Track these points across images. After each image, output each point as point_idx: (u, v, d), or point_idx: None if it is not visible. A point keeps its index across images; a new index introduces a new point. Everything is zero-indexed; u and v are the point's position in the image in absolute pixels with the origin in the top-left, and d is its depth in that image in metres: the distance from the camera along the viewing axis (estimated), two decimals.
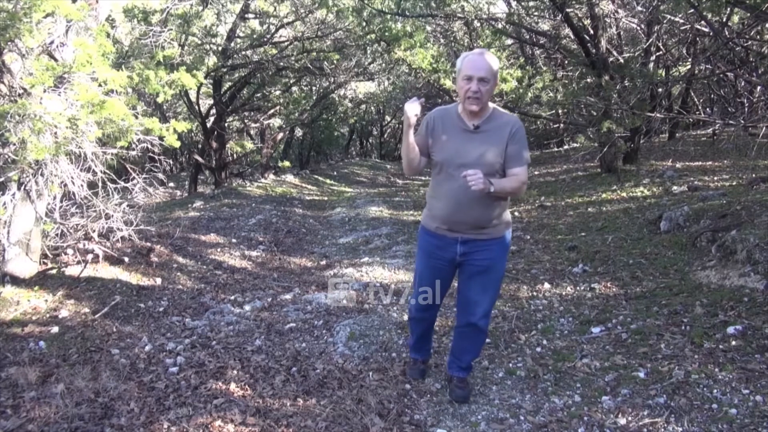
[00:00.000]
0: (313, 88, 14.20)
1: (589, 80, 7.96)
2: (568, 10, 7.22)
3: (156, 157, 5.50)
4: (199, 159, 11.53)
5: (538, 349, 3.29)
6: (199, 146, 12.52)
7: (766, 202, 4.75)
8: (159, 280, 4.58)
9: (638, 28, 8.85)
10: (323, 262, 5.59)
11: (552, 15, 9.28)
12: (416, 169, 2.57)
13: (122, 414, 2.60)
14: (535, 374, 3.00)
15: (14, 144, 3.60)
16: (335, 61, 11.02)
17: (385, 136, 24.27)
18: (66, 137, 3.71)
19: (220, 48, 9.58)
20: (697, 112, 10.12)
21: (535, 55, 12.12)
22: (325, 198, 10.78)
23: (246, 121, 13.72)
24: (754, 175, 6.32)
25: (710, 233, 4.40)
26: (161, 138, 4.14)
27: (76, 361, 3.10)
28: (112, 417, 2.57)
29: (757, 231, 3.96)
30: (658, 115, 6.96)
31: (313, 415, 2.62)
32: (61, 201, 4.37)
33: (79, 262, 4.43)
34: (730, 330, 3.06)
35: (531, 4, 9.17)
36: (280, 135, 14.67)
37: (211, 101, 11.73)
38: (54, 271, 4.30)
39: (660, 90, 8.30)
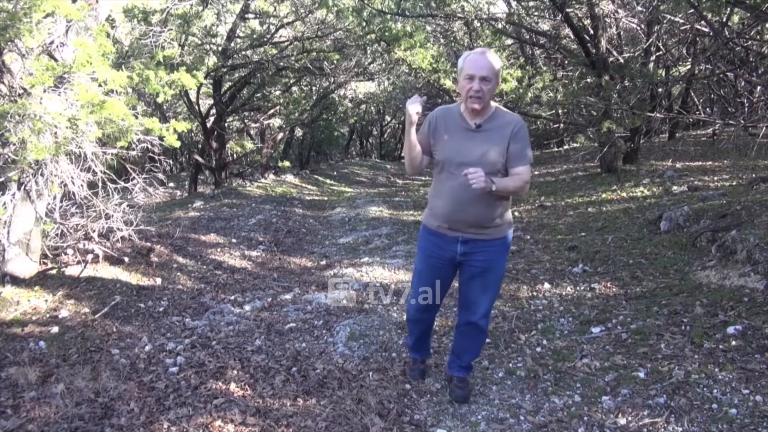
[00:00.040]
0: (313, 88, 14.20)
1: (589, 80, 7.96)
2: (568, 10, 7.22)
3: (156, 157, 5.50)
4: (199, 159, 11.53)
5: (538, 349, 3.29)
6: (199, 146, 12.52)
7: (766, 202, 4.75)
8: (159, 280, 4.58)
9: (638, 28, 8.85)
10: (323, 262, 5.59)
11: (552, 15, 9.28)
12: (418, 168, 2.57)
13: (122, 414, 2.60)
14: (535, 374, 3.00)
15: (14, 144, 3.60)
16: (335, 61, 11.02)
17: (385, 136, 24.26)
18: (66, 137, 3.71)
19: (220, 48, 9.58)
20: (697, 112, 10.12)
21: (535, 55, 12.12)
22: (325, 198, 10.78)
23: (246, 121, 13.72)
24: (754, 175, 6.32)
25: (710, 233, 4.40)
26: (161, 138, 4.14)
27: (76, 361, 3.10)
28: (112, 417, 2.57)
29: (757, 231, 3.96)
30: (658, 115, 6.96)
31: (313, 415, 2.62)
32: (61, 201, 4.37)
33: (79, 262, 4.43)
34: (730, 330, 3.06)
35: (531, 4, 9.17)
36: (280, 135, 14.67)
37: (211, 101, 11.73)
38: (54, 271, 4.30)
39: (660, 90, 8.30)
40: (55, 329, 3.47)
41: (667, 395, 2.62)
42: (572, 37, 8.21)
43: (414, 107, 2.40)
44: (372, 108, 19.75)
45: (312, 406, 2.71)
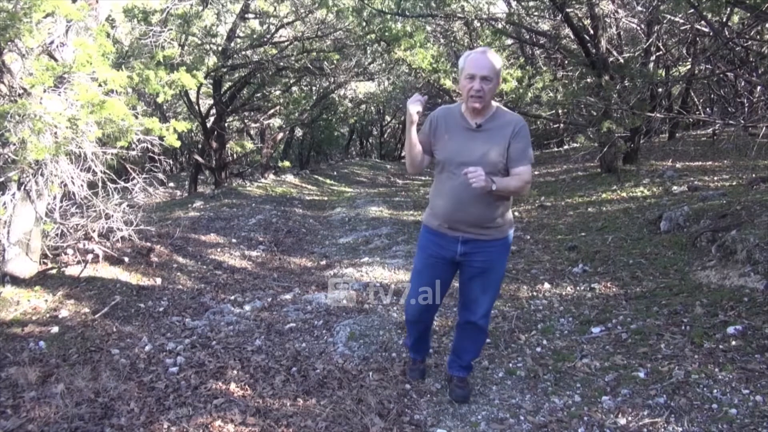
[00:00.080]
0: (313, 88, 14.20)
1: (589, 80, 7.96)
2: (568, 10, 7.23)
3: (156, 157, 5.50)
4: (199, 159, 11.53)
5: (538, 349, 3.29)
6: (199, 146, 12.52)
7: (766, 202, 4.75)
8: (159, 280, 4.58)
9: (638, 28, 8.85)
10: (323, 262, 5.59)
11: (552, 15, 9.28)
12: (419, 167, 2.58)
13: (122, 414, 2.60)
14: (535, 374, 3.00)
15: (14, 144, 3.60)
16: (335, 61, 11.02)
17: (385, 136, 24.26)
18: (66, 137, 3.71)
19: (220, 48, 9.58)
20: (697, 112, 10.12)
21: (535, 55, 12.12)
22: (325, 198, 10.78)
23: (246, 121, 13.72)
24: (754, 175, 6.32)
25: (710, 233, 4.40)
26: (161, 138, 4.14)
27: (76, 361, 3.10)
28: (112, 417, 2.57)
29: (757, 231, 3.96)
30: (658, 115, 6.96)
31: (313, 415, 2.62)
32: (61, 201, 4.37)
33: (79, 262, 4.43)
34: (730, 330, 3.06)
35: (531, 4, 9.17)
36: (280, 135, 14.66)
37: (211, 101, 11.73)
38: (54, 271, 4.30)
39: (660, 90, 8.30)
40: (55, 329, 3.47)
41: (667, 395, 2.62)
42: (572, 37, 8.21)
43: (414, 107, 2.40)
44: (372, 108, 19.74)
45: (312, 406, 2.71)
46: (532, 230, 6.14)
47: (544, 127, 14.26)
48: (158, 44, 6.54)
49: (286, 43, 10.18)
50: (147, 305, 4.07)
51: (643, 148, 9.44)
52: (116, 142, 3.93)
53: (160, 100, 4.45)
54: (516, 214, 6.94)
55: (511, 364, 3.14)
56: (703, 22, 5.96)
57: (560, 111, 11.26)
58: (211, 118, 11.64)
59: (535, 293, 4.20)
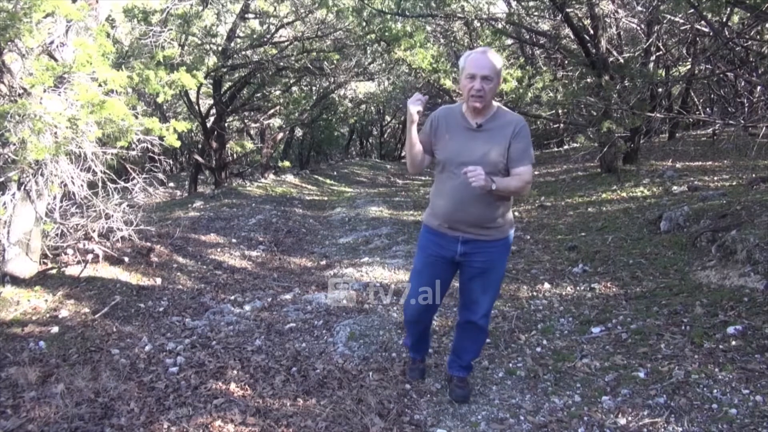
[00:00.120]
0: (313, 88, 14.19)
1: (589, 80, 7.96)
2: (568, 10, 7.22)
3: (156, 157, 5.50)
4: (199, 159, 11.53)
5: (538, 349, 3.29)
6: (199, 146, 12.52)
7: (766, 202, 4.75)
8: (159, 280, 4.58)
9: (638, 28, 8.85)
10: (323, 262, 5.59)
11: (552, 15, 9.28)
12: (419, 167, 2.58)
13: (122, 414, 2.60)
14: (535, 374, 3.00)
15: (14, 144, 3.60)
16: (335, 61, 11.02)
17: (385, 136, 24.26)
18: (66, 137, 3.71)
19: (220, 48, 9.58)
20: (697, 112, 10.12)
21: (535, 55, 12.12)
22: (325, 198, 10.78)
23: (246, 121, 13.72)
24: (754, 175, 6.32)
25: (710, 233, 4.40)
26: (161, 138, 4.15)
27: (76, 361, 3.10)
28: (112, 417, 2.57)
29: (757, 231, 3.96)
30: (658, 115, 6.96)
31: (313, 415, 2.62)
32: (61, 201, 4.37)
33: (79, 262, 4.43)
34: (730, 330, 3.06)
35: (531, 4, 9.17)
36: (280, 135, 14.67)
37: (211, 101, 11.73)
38: (54, 271, 4.30)
39: (660, 90, 8.30)
40: (55, 329, 3.47)
41: (667, 395, 2.62)
42: (572, 37, 8.21)
43: (415, 106, 2.40)
44: (372, 108, 19.74)
45: (312, 406, 2.71)
46: (532, 230, 6.14)
47: (544, 127, 14.26)
48: (158, 44, 6.54)
49: (286, 43, 10.18)
50: (147, 305, 4.07)
51: (643, 148, 9.44)
52: (116, 142, 3.93)
53: (160, 100, 4.45)
54: (516, 214, 6.94)
55: (511, 364, 3.14)
56: (703, 22, 5.96)
57: (560, 111, 11.26)
58: (211, 118, 11.64)
59: (535, 293, 4.20)
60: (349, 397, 2.79)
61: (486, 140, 2.42)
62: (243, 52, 10.17)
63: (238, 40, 10.25)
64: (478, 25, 10.22)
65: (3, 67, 3.79)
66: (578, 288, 4.21)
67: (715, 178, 6.82)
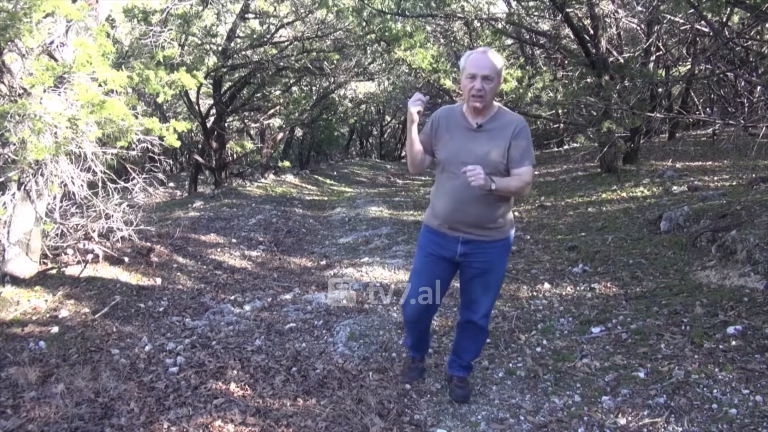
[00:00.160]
0: (313, 88, 14.20)
1: (589, 80, 7.96)
2: (568, 10, 7.23)
3: (156, 157, 5.50)
4: (199, 159, 11.53)
5: (538, 349, 3.29)
6: (199, 146, 12.52)
7: (766, 202, 4.75)
8: (159, 280, 4.58)
9: (638, 28, 8.85)
10: (323, 262, 5.59)
11: (552, 15, 9.28)
12: (419, 167, 2.58)
13: (122, 414, 2.60)
14: (535, 374, 3.00)
15: (14, 144, 3.60)
16: (335, 61, 11.02)
17: (385, 136, 24.26)
18: (66, 137, 3.71)
19: (220, 48, 9.58)
20: (697, 112, 10.12)
21: (535, 55, 12.12)
22: (325, 198, 10.78)
23: (246, 121, 13.72)
24: (754, 175, 6.32)
25: (710, 233, 4.40)
26: (161, 138, 4.15)
27: (76, 361, 3.10)
28: (112, 417, 2.57)
29: (757, 231, 3.96)
30: (658, 115, 6.96)
31: (313, 415, 2.62)
32: (61, 201, 4.37)
33: (79, 262, 4.43)
34: (730, 330, 3.06)
35: (531, 4, 9.17)
36: (280, 135, 14.67)
37: (211, 101, 11.73)
38: (54, 271, 4.30)
39: (660, 90, 8.30)
40: (55, 329, 3.47)
41: (667, 395, 2.62)
42: (572, 37, 8.21)
43: (415, 107, 2.40)
44: (372, 108, 19.74)
45: (312, 406, 2.71)
46: (532, 230, 6.14)
47: (544, 127, 14.26)
48: (158, 44, 6.54)
49: (286, 43, 10.18)
50: (147, 305, 4.07)
51: (643, 148, 9.44)
52: (116, 142, 3.93)
53: (160, 100, 4.45)
54: (516, 214, 6.94)
55: (511, 364, 3.14)
56: (703, 22, 5.96)
57: (560, 111, 11.26)
58: (211, 118, 11.64)
59: (535, 293, 4.20)
60: (349, 397, 2.79)
61: (486, 140, 2.42)
62: (243, 52, 10.17)
63: (238, 40, 10.26)
64: (478, 25, 10.23)
65: (3, 67, 3.79)
66: (578, 288, 4.21)
67: (715, 178, 6.82)
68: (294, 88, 12.87)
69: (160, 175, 5.42)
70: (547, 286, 4.30)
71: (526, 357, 3.20)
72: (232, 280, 4.87)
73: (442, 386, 2.94)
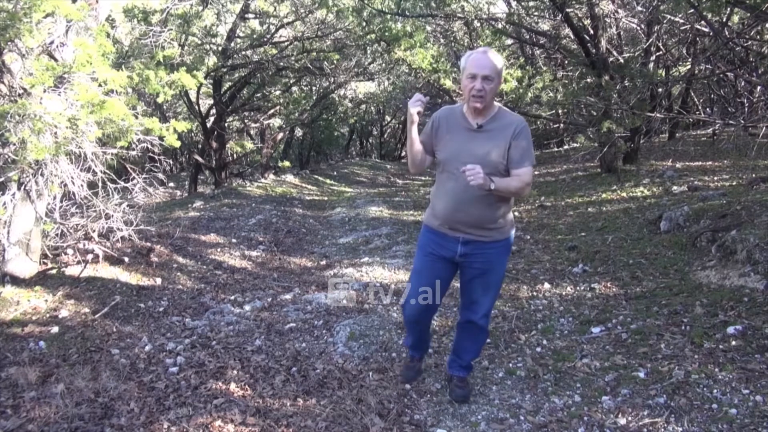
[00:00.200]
0: (313, 88, 14.20)
1: (589, 80, 7.96)
2: (568, 10, 7.23)
3: (156, 157, 5.50)
4: (199, 159, 11.54)
5: (538, 349, 3.29)
6: (199, 146, 12.52)
7: (766, 202, 4.75)
8: (159, 280, 4.58)
9: (638, 28, 8.85)
10: (323, 262, 5.59)
11: (552, 15, 9.28)
12: (420, 167, 2.58)
13: (122, 414, 2.60)
14: (535, 374, 3.00)
15: (14, 144, 3.60)
16: (335, 61, 11.02)
17: (385, 136, 24.26)
18: (66, 137, 3.71)
19: (220, 48, 9.58)
20: (697, 112, 10.12)
21: (535, 55, 12.12)
22: (325, 198, 10.78)
23: (246, 121, 13.72)
24: (754, 175, 6.32)
25: (710, 233, 4.40)
26: (161, 138, 4.15)
27: (76, 361, 3.10)
28: (112, 417, 2.57)
29: (757, 231, 3.96)
30: (658, 115, 6.96)
31: (313, 415, 2.62)
32: (61, 201, 4.37)
33: (79, 262, 4.43)
34: (730, 330, 3.06)
35: (531, 4, 9.17)
36: (280, 135, 14.67)
37: (211, 101, 11.73)
38: (54, 271, 4.30)
39: (660, 90, 8.30)
40: (55, 329, 3.47)
41: (667, 395, 2.62)
42: (572, 37, 8.21)
43: (415, 108, 2.40)
44: (372, 108, 19.74)
45: (312, 406, 2.71)
46: (532, 230, 6.14)
47: (544, 127, 14.26)
48: (158, 44, 6.54)
49: (286, 43, 10.18)
50: (147, 305, 4.07)
51: (643, 148, 9.44)
52: (116, 142, 3.93)
53: (160, 100, 4.45)
54: (516, 214, 6.94)
55: (511, 364, 3.14)
56: (703, 22, 5.96)
57: (560, 111, 11.26)
58: (211, 118, 11.64)
59: (535, 293, 4.20)
60: (349, 397, 2.79)
61: (486, 141, 2.42)
62: (243, 52, 10.17)
63: (238, 40, 10.26)
64: (478, 25, 10.22)
65: (3, 67, 3.79)
66: (578, 288, 4.21)
67: (715, 178, 6.82)
68: (294, 88, 12.87)
69: (160, 175, 5.42)
70: (547, 286, 4.30)
71: (526, 357, 3.20)
72: (232, 280, 4.87)
73: (442, 386, 2.94)
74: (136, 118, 3.92)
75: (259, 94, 12.01)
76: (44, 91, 3.66)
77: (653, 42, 8.00)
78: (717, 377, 2.69)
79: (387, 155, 22.79)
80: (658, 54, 8.68)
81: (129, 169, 4.85)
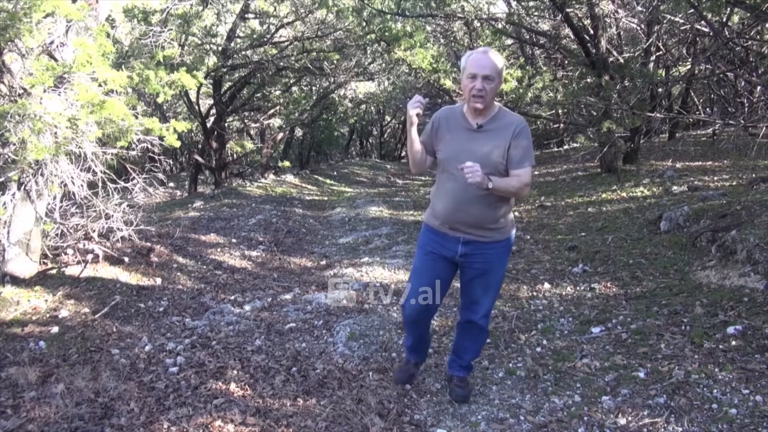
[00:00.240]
0: (313, 88, 14.20)
1: (589, 80, 7.96)
2: (568, 10, 7.23)
3: (156, 157, 5.50)
4: (199, 159, 11.54)
5: (538, 349, 3.29)
6: (199, 146, 12.52)
7: (766, 202, 4.75)
8: (159, 280, 4.58)
9: (638, 28, 8.85)
10: (323, 262, 5.59)
11: (552, 15, 9.28)
12: (420, 167, 2.58)
13: (122, 414, 2.60)
14: (535, 374, 3.00)
15: (14, 144, 3.60)
16: (335, 61, 11.02)
17: (385, 136, 24.26)
18: (66, 137, 3.71)
19: (220, 48, 9.58)
20: (697, 112, 10.12)
21: (535, 55, 12.12)
22: (325, 198, 10.78)
23: (246, 121, 13.72)
24: (754, 175, 6.32)
25: (710, 233, 4.40)
26: (161, 138, 4.15)
27: (76, 361, 3.10)
28: (112, 417, 2.57)
29: (757, 231, 3.96)
30: (658, 115, 6.96)
31: (313, 415, 2.62)
32: (61, 201, 4.37)
33: (79, 262, 4.43)
34: (730, 330, 3.06)
35: (531, 4, 9.17)
36: (280, 135, 14.67)
37: (211, 101, 11.73)
38: (54, 271, 4.30)
39: (660, 90, 8.30)
40: (55, 329, 3.47)
41: (667, 395, 2.62)
42: (572, 37, 8.21)
43: (414, 109, 2.40)
44: (372, 108, 19.74)
45: (312, 406, 2.71)
46: (532, 230, 6.14)
47: (544, 127, 14.26)
48: (158, 44, 6.54)
49: (286, 43, 10.18)
50: (147, 305, 4.07)
51: (643, 148, 9.44)
52: (116, 142, 3.93)
53: (160, 100, 4.46)
54: (516, 214, 6.94)
55: (511, 364, 3.14)
56: (703, 22, 5.96)
57: (560, 111, 11.26)
58: (211, 118, 11.64)
59: (535, 293, 4.20)
60: (349, 397, 2.79)
61: (486, 141, 2.42)
62: (243, 52, 10.17)
63: (238, 40, 10.26)
64: (478, 25, 10.23)
65: (3, 67, 3.79)
66: (578, 288, 4.21)
67: (715, 178, 6.82)
68: (294, 88, 12.87)
69: (160, 175, 5.42)
70: (547, 286, 4.30)
71: (526, 357, 3.20)
72: (232, 280, 4.87)
73: (442, 386, 2.94)
74: (136, 118, 3.92)
75: (259, 94, 12.01)
76: (44, 91, 3.66)
77: (653, 42, 8.00)
78: (717, 377, 2.69)
79: (387, 155, 22.79)
80: (658, 54, 8.68)
81: (129, 169, 4.85)
